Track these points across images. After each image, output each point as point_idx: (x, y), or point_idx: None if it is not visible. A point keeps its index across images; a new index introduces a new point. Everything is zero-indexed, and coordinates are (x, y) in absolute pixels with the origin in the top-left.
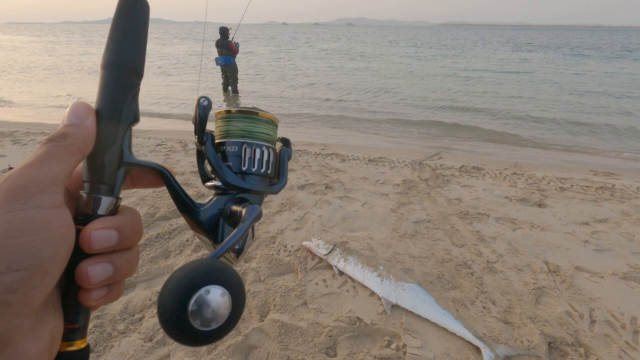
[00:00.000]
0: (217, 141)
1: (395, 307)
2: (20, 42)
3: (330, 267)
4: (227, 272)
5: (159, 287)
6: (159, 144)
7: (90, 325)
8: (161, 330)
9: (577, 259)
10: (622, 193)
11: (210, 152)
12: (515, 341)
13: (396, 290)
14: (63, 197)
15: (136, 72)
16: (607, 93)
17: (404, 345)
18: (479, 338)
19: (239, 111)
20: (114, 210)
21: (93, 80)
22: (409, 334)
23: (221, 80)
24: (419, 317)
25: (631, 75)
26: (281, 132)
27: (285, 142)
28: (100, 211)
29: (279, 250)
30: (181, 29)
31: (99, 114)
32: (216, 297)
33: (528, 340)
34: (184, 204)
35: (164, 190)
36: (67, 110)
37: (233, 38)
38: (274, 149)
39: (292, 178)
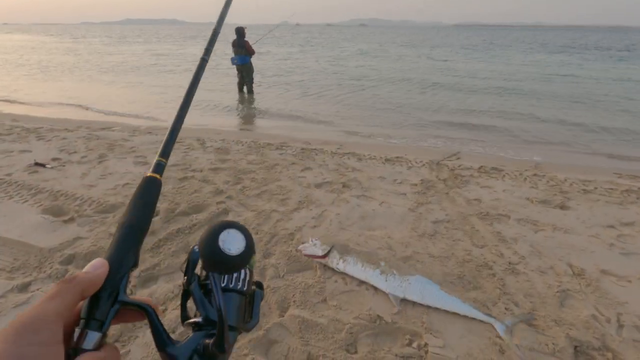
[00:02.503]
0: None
1: (416, 305)
2: (43, 42)
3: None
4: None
5: (180, 280)
6: (176, 142)
7: None
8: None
9: (602, 262)
10: None
11: (196, 291)
12: (540, 344)
13: (402, 284)
14: (62, 333)
15: (142, 230)
16: None
17: (426, 345)
18: (488, 315)
19: None
20: (99, 346)
21: (121, 81)
22: (430, 333)
23: (237, 80)
24: (439, 316)
25: None
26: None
27: (259, 285)
28: (87, 346)
29: (297, 247)
30: (195, 29)
31: (109, 262)
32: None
33: (553, 344)
34: (161, 340)
35: (183, 187)
36: (89, 263)
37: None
38: (251, 271)
39: (309, 176)
